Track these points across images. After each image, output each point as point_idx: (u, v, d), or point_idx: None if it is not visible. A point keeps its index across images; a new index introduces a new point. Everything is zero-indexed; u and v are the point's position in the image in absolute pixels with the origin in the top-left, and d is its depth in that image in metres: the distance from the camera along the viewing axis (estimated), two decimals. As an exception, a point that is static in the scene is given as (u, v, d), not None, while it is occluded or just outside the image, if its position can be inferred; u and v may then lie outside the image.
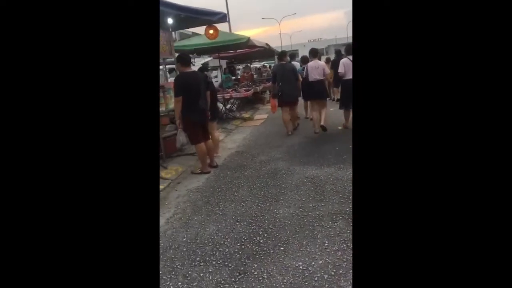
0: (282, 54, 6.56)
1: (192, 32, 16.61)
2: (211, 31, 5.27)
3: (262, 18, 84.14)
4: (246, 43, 7.21)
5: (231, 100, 9.24)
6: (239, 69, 16.59)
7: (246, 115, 9.23)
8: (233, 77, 14.56)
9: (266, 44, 9.26)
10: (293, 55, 8.78)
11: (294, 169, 4.21)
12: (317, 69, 5.98)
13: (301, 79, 6.17)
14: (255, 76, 14.65)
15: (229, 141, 6.36)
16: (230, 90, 8.91)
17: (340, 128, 6.27)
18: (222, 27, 6.94)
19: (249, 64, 14.78)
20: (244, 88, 9.00)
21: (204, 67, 4.99)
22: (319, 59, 6.47)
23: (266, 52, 12.23)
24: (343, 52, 7.19)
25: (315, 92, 6.04)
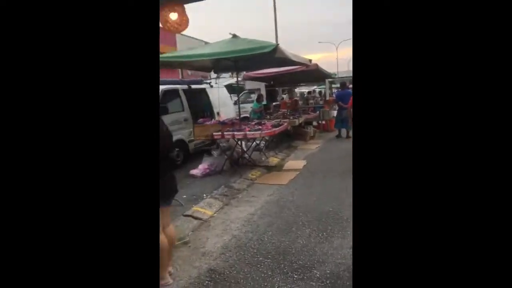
0: None
1: (205, 42, 13.56)
2: (172, 16, 2.43)
3: (319, 42, 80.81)
4: (273, 53, 4.29)
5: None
6: (285, 94, 13.73)
7: (274, 159, 6.21)
8: (274, 103, 11.77)
9: (310, 60, 6.26)
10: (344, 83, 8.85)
11: None
12: None
13: None
14: (300, 103, 11.67)
15: (219, 223, 3.36)
16: (251, 123, 5.99)
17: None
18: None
19: (293, 89, 11.85)
20: (271, 122, 6.00)
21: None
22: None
23: (315, 74, 9.23)
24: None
25: None
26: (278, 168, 5.64)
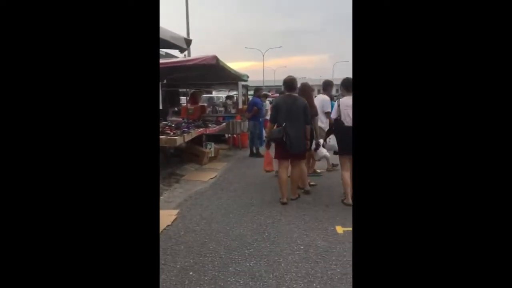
0: (289, 84, 3.81)
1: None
2: None
3: (245, 48, 78.82)
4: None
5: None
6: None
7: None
8: (175, 109, 8.99)
9: (187, 41, 3.66)
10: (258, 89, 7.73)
11: None
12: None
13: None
14: (208, 110, 9.10)
15: None
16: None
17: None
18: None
19: (200, 92, 9.20)
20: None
21: None
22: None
23: (221, 72, 6.69)
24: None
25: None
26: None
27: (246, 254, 2.50)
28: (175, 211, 3.46)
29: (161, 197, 3.98)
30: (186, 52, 9.81)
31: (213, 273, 2.24)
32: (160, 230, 2.95)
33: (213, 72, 6.53)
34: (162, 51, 10.69)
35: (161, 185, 4.42)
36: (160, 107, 8.26)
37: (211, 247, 2.62)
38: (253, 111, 6.95)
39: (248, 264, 2.35)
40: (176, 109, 8.90)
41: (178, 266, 2.32)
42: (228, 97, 10.98)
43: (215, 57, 5.16)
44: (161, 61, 6.23)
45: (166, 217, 3.29)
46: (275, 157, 3.94)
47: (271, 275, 2.22)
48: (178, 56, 8.72)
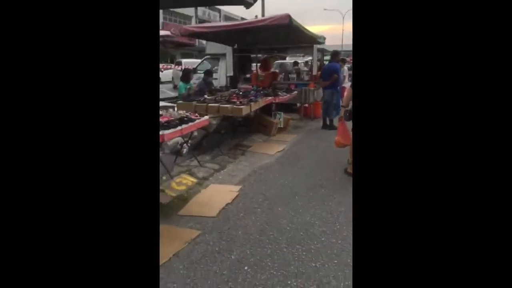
0: None
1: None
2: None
3: (324, 9, 72.96)
4: None
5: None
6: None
7: (185, 181, 3.29)
8: (247, 76, 8.66)
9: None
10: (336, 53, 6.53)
11: None
12: None
13: None
14: (280, 76, 8.56)
15: None
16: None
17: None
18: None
19: (272, 57, 8.63)
20: (168, 116, 3.03)
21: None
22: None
23: (295, 33, 6.02)
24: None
25: None
26: (175, 206, 2.75)
27: (312, 251, 2.10)
28: (237, 188, 3.20)
29: (224, 170, 3.77)
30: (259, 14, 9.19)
31: (271, 271, 1.90)
32: (219, 209, 2.71)
33: (286, 35, 5.92)
34: (223, 10, 10.13)
35: (226, 157, 4.21)
36: (231, 74, 8.08)
37: (271, 236, 2.28)
38: (333, 78, 6.13)
39: (313, 265, 1.95)
40: (247, 76, 8.58)
41: (232, 257, 2.04)
42: (295, 63, 10.13)
43: (288, 16, 4.55)
44: (230, 23, 5.85)
45: (227, 193, 3.05)
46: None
47: (342, 284, 1.79)
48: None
